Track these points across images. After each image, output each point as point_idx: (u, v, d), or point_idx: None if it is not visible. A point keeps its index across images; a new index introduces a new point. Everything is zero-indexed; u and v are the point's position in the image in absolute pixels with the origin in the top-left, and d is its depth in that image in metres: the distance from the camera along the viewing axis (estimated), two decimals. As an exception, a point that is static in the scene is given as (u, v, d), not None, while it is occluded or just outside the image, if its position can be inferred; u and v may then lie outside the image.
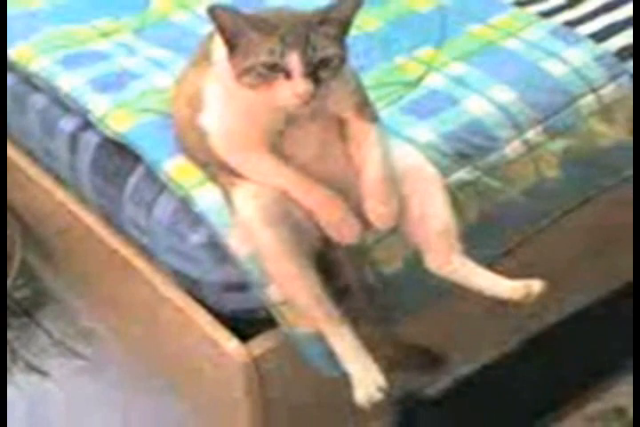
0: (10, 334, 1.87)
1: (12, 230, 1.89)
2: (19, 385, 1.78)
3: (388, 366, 1.28)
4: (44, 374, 1.80)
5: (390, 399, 1.55)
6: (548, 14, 1.63)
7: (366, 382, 1.24)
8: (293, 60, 1.14)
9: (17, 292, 1.91)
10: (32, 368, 1.81)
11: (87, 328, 1.86)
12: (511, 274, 1.29)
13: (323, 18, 1.16)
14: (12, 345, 1.85)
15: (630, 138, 1.52)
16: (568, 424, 1.63)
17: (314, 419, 1.50)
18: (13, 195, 1.88)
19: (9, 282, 1.81)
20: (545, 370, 1.68)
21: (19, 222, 1.89)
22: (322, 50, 1.15)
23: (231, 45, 1.17)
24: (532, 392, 1.65)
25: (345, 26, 1.18)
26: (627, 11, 1.62)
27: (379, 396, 1.23)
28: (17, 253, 1.85)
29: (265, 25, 1.15)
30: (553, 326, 1.72)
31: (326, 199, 1.25)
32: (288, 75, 1.15)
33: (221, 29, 1.16)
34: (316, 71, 1.15)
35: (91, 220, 1.60)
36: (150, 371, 1.73)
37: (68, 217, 1.67)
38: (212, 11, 1.14)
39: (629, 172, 1.55)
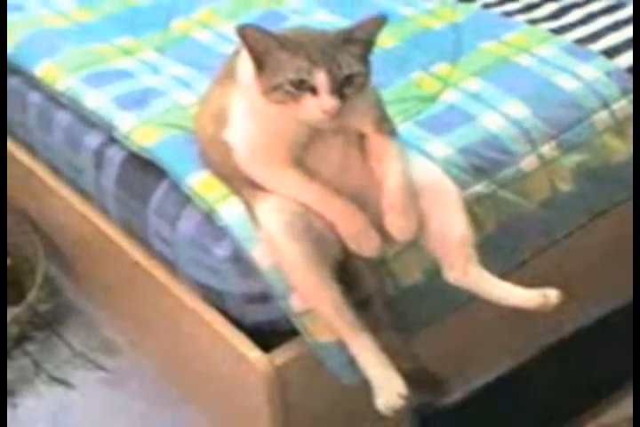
0: (33, 347, 1.90)
1: (35, 244, 1.92)
2: (42, 396, 1.81)
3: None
4: (66, 385, 1.83)
5: (408, 408, 1.59)
6: (559, 32, 1.67)
7: (388, 389, 1.26)
8: (320, 78, 1.18)
9: (40, 305, 1.95)
10: (54, 380, 1.84)
11: (109, 340, 1.88)
12: (526, 285, 1.32)
13: (347, 37, 1.20)
14: (34, 357, 1.88)
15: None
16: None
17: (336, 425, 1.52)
18: (35, 208, 1.92)
19: (32, 295, 1.84)
20: (560, 380, 1.70)
21: (41, 236, 1.93)
22: (347, 67, 1.19)
23: (259, 63, 1.21)
24: (547, 402, 1.68)
25: (368, 45, 1.22)
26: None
27: (400, 403, 1.25)
28: (40, 266, 1.88)
29: (292, 44, 1.19)
30: (568, 337, 1.75)
31: (347, 212, 1.29)
32: (314, 91, 1.19)
33: (250, 48, 1.20)
34: (341, 88, 1.19)
35: (112, 231, 1.64)
36: (171, 382, 1.75)
37: (89, 229, 1.70)
38: (242, 30, 1.19)
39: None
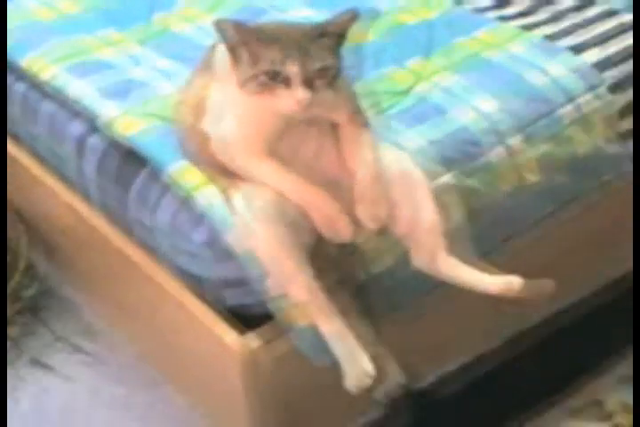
0: (15, 331, 1.95)
1: (19, 231, 1.97)
2: (23, 379, 1.86)
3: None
4: (48, 368, 1.87)
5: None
6: (530, 28, 1.72)
7: (355, 369, 1.31)
8: (293, 70, 1.23)
9: (23, 291, 1.99)
10: (36, 363, 1.89)
11: (90, 324, 1.93)
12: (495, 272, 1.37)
13: (321, 31, 1.25)
14: (17, 341, 1.93)
15: (607, 145, 1.61)
16: (550, 417, 1.71)
17: (310, 410, 1.56)
18: (19, 196, 1.96)
19: (15, 281, 1.89)
20: (531, 365, 1.76)
21: (25, 223, 1.97)
22: (319, 60, 1.24)
23: (235, 56, 1.26)
24: (516, 388, 1.74)
25: (341, 38, 1.27)
26: (604, 25, 1.71)
27: (367, 382, 1.31)
28: (23, 253, 1.93)
29: (267, 37, 1.24)
30: (538, 324, 1.80)
31: (320, 200, 1.34)
32: (288, 83, 1.23)
33: (227, 41, 1.25)
34: (313, 80, 1.24)
35: (95, 219, 1.68)
36: (151, 364, 1.80)
37: (73, 217, 1.75)
38: (219, 24, 1.24)
39: (608, 176, 1.64)
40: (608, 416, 1.70)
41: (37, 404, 1.82)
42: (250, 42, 1.24)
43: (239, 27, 1.24)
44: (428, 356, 1.68)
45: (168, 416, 1.76)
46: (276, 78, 1.23)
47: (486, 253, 1.54)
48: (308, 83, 1.24)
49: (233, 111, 1.33)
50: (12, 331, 1.95)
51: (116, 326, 1.88)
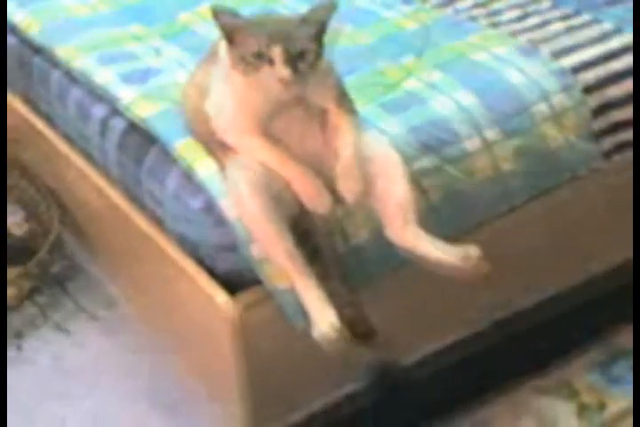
0: (43, 300, 2.15)
1: (53, 210, 2.16)
2: (46, 342, 2.05)
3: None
4: (67, 334, 2.05)
5: (366, 365, 1.77)
6: (517, 34, 1.87)
7: (322, 321, 1.45)
8: (276, 51, 1.39)
9: (52, 266, 2.19)
10: (58, 329, 2.07)
11: (110, 296, 2.12)
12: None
13: (303, 20, 1.42)
14: (44, 309, 2.12)
15: (579, 141, 1.74)
16: (521, 394, 1.84)
17: (295, 375, 1.69)
18: (53, 176, 2.16)
19: (43, 252, 2.08)
20: (507, 349, 1.88)
21: (57, 202, 2.17)
22: (300, 44, 1.40)
23: (229, 39, 1.43)
24: (492, 366, 1.86)
25: (321, 26, 1.43)
26: (585, 33, 1.85)
27: (332, 335, 1.44)
28: (54, 229, 2.12)
29: (256, 24, 1.42)
30: (519, 312, 1.92)
31: (303, 174, 1.49)
32: (272, 63, 1.40)
33: (221, 26, 1.43)
34: (294, 61, 1.40)
35: (117, 199, 1.84)
36: (157, 333, 1.96)
37: (97, 198, 1.92)
38: (215, 11, 1.42)
39: (580, 171, 1.77)
40: (575, 395, 1.81)
41: (54, 365, 2.00)
42: (241, 28, 1.42)
43: (231, 14, 1.42)
44: (411, 335, 1.82)
45: (171, 382, 1.92)
46: (261, 59, 1.40)
47: (459, 235, 1.69)
48: (291, 63, 1.40)
49: (230, 93, 1.49)
50: (40, 300, 2.15)
51: (130, 296, 2.05)
